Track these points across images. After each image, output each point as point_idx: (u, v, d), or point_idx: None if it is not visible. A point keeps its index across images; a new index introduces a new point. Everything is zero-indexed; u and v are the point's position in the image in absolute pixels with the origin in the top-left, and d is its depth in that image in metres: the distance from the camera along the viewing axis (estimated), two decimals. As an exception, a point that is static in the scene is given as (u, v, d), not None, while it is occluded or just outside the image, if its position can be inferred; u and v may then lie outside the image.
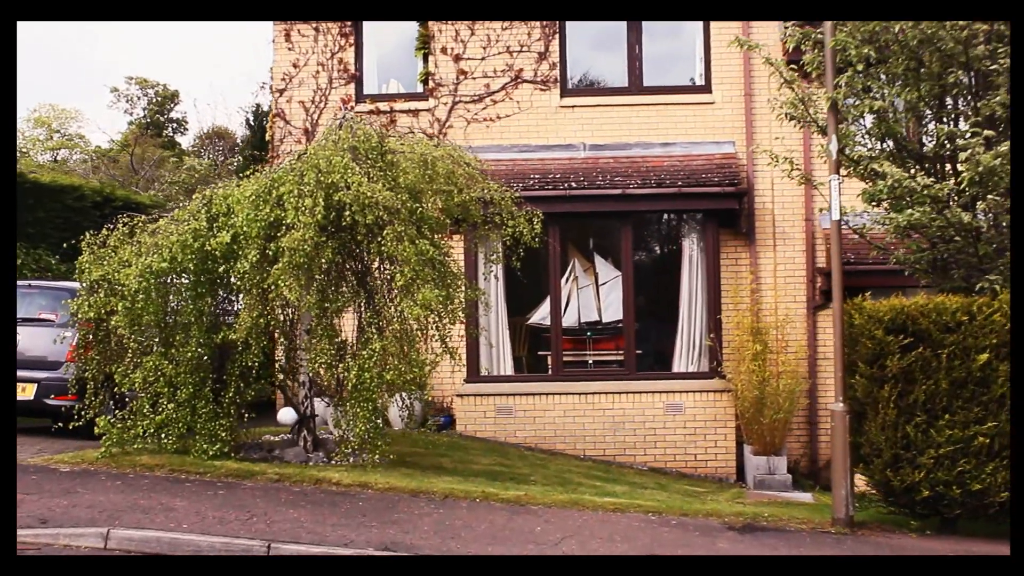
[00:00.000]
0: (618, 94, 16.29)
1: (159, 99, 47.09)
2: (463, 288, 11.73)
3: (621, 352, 15.51)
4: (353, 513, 9.15)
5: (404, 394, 12.46)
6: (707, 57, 16.23)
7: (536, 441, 15.03)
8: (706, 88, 16.21)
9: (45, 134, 46.57)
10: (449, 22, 16.10)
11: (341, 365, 10.38)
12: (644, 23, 16.03)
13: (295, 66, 16.48)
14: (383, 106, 16.11)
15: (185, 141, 46.20)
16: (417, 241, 10.13)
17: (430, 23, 16.20)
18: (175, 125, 48.24)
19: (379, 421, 10.93)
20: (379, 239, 10.07)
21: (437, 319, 10.93)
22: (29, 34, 61.63)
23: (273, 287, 10.03)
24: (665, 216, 16.40)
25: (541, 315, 15.81)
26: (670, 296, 15.85)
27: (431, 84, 16.37)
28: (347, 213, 9.98)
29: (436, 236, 11.13)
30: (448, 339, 11.31)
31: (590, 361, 15.80)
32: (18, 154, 44.18)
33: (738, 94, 16.01)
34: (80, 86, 62.29)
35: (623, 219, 15.38)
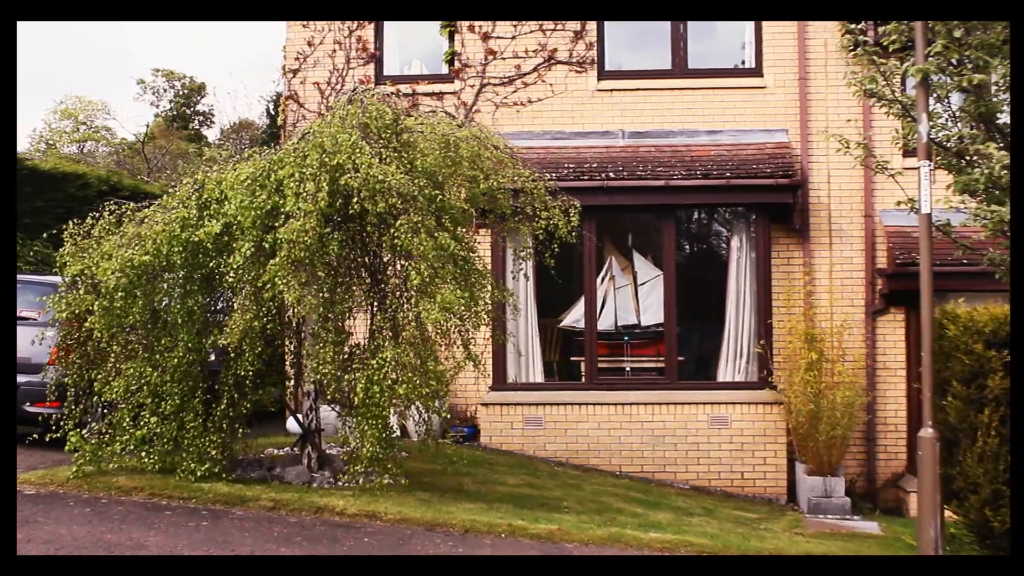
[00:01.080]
0: (660, 77, 14.64)
1: (186, 91, 45.75)
2: (489, 288, 10.18)
3: (661, 359, 13.92)
4: (355, 553, 7.62)
5: (421, 406, 10.93)
6: (758, 37, 14.57)
7: (568, 455, 13.46)
8: (756, 71, 14.56)
9: (72, 126, 45.53)
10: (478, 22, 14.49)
11: (348, 376, 8.83)
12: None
13: (310, 44, 14.94)
14: (405, 88, 14.50)
15: (212, 134, 44.86)
16: (436, 234, 8.57)
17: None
18: (202, 118, 46.93)
19: (392, 438, 9.42)
20: (392, 231, 8.51)
21: (459, 323, 9.41)
22: (57, 27, 60.70)
23: (269, 285, 8.49)
24: (711, 210, 14.78)
25: (574, 317, 14.24)
26: (715, 298, 14.25)
27: (457, 65, 14.79)
28: (355, 200, 8.44)
29: (459, 229, 9.56)
30: (471, 344, 9.83)
31: (627, 368, 14.21)
32: (44, 145, 43.30)
33: (791, 77, 14.36)
34: (108, 78, 61.17)
35: (665, 213, 13.78)
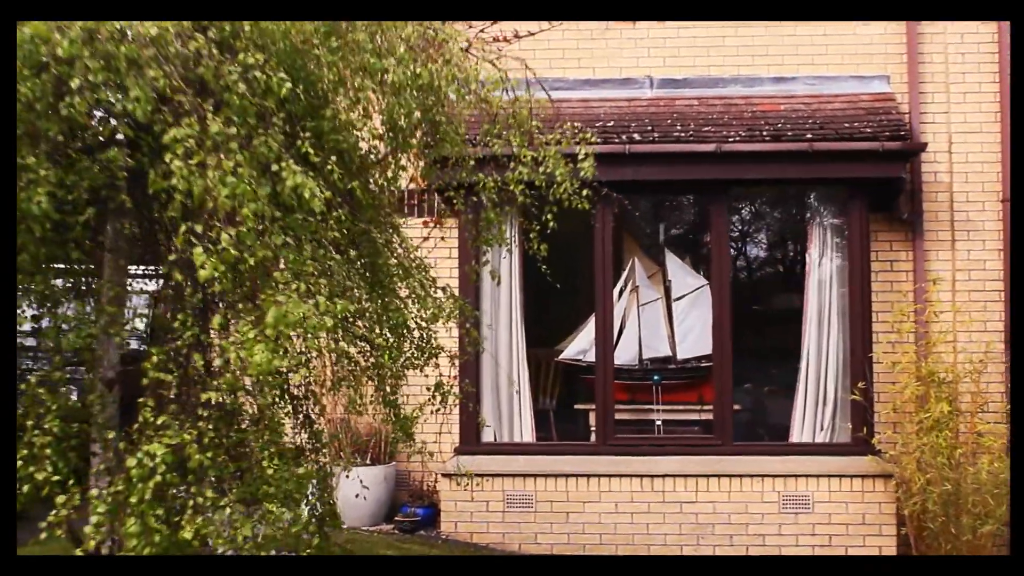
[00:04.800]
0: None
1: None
2: (436, 296, 5.13)
3: (708, 408, 8.87)
4: None
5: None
6: (843, -52, 9.59)
7: (570, 552, 8.42)
8: (843, -7, 9.54)
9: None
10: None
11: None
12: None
13: None
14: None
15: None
16: (280, 166, 3.50)
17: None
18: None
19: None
20: (168, 157, 3.42)
21: (353, 362, 4.41)
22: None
23: None
24: (783, 191, 9.74)
25: (579, 347, 9.24)
26: (787, 320, 9.23)
27: (414, -14, 9.78)
28: (74, 84, 3.38)
29: (341, 166, 4.39)
30: (400, 401, 4.91)
31: (658, 422, 9.15)
32: None
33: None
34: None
35: (715, 194, 8.78)
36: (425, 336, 5.18)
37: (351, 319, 4.18)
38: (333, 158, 3.74)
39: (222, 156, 3.20)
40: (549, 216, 5.07)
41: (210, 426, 3.46)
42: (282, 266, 3.62)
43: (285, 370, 3.44)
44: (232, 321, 3.49)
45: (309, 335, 3.50)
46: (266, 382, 3.42)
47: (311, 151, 3.62)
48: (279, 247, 3.46)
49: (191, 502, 3.40)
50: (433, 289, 5.17)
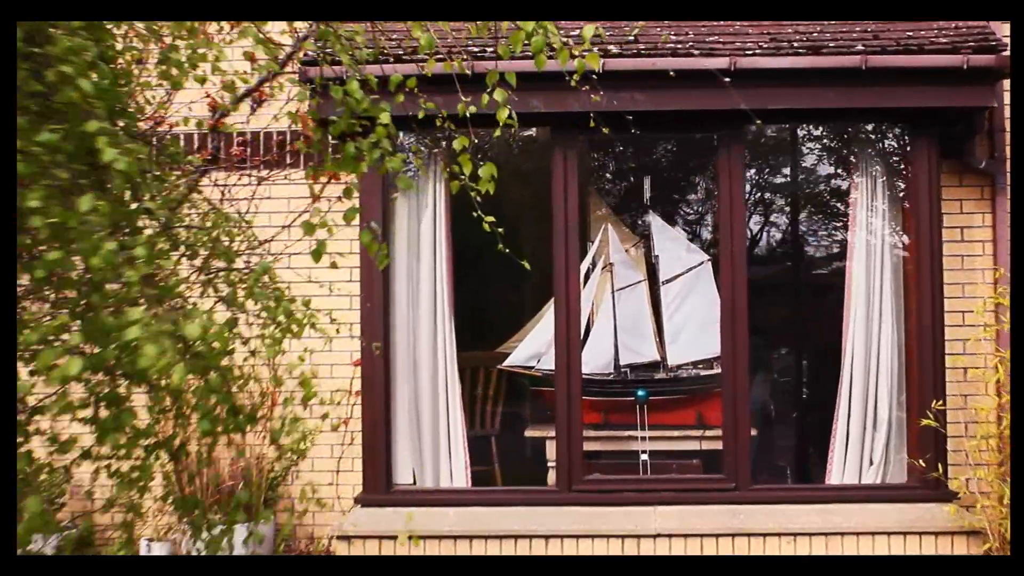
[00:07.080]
0: None
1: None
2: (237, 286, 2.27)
3: (714, 435, 6.13)
4: None
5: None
6: None
7: (520, 650, 5.63)
8: None
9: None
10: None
11: None
12: None
13: None
14: None
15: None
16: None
17: None
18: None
19: None
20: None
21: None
22: None
23: None
24: (819, 125, 6.98)
25: (532, 349, 6.45)
26: (822, 309, 6.53)
27: None
28: None
29: None
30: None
31: (644, 455, 6.36)
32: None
33: None
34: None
35: (726, 132, 6.01)
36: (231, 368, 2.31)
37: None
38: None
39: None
40: (500, 100, 2.27)
41: None
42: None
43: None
44: None
45: None
46: None
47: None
48: None
49: None
50: (243, 265, 2.29)
